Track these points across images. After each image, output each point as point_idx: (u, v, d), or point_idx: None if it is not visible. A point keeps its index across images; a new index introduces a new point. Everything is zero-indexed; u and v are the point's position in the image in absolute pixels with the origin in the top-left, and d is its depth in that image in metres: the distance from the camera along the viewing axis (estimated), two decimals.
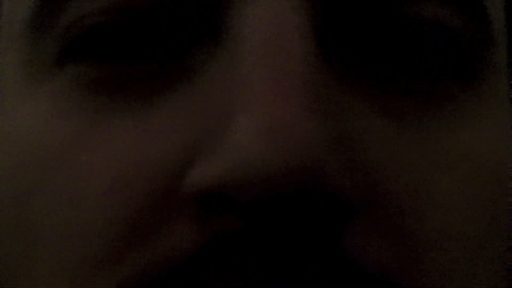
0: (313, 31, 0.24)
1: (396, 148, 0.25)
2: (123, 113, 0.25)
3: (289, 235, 0.22)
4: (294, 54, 0.23)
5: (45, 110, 0.26)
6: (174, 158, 0.23)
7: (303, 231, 0.22)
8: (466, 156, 0.26)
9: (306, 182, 0.22)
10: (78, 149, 0.25)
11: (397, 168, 0.24)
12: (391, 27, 0.25)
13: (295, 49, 0.23)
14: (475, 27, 0.27)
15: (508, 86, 0.29)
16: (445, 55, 0.26)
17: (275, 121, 0.22)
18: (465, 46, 0.26)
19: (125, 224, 0.23)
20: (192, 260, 0.23)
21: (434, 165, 0.25)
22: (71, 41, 0.25)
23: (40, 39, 0.26)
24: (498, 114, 0.28)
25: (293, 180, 0.21)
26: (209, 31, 0.25)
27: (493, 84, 0.28)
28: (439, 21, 0.26)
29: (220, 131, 0.23)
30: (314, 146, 0.22)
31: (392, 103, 0.25)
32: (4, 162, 0.27)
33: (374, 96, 0.25)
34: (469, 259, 0.25)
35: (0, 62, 0.29)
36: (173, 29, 0.25)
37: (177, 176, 0.23)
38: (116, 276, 0.23)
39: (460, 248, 0.25)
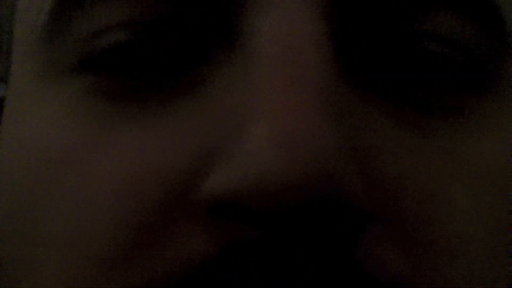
0: (329, 40, 0.24)
1: (411, 157, 0.24)
2: (137, 120, 0.25)
3: (304, 244, 0.22)
4: (309, 62, 0.23)
5: (58, 115, 0.26)
6: (187, 164, 0.23)
7: (318, 241, 0.22)
8: (482, 165, 0.26)
9: (322, 191, 0.22)
10: (91, 153, 0.25)
11: (413, 177, 0.24)
12: (405, 38, 0.25)
13: (311, 57, 0.23)
14: (490, 38, 0.26)
15: None
16: (460, 67, 0.26)
17: (291, 130, 0.22)
18: (480, 58, 0.26)
19: (135, 228, 0.23)
20: (203, 268, 0.23)
21: (449, 174, 0.25)
22: (87, 55, 0.25)
23: (55, 48, 0.26)
24: None
25: (308, 189, 0.21)
26: (223, 39, 0.25)
27: (509, 93, 0.27)
28: (454, 34, 0.26)
29: (235, 140, 0.23)
30: (329, 155, 0.22)
31: (408, 112, 0.25)
32: (16, 165, 0.27)
33: (390, 105, 0.25)
34: (487, 267, 0.25)
35: (13, 66, 0.29)
36: (187, 38, 0.25)
37: (189, 183, 0.23)
38: (124, 281, 0.23)
39: (477, 256, 0.25)
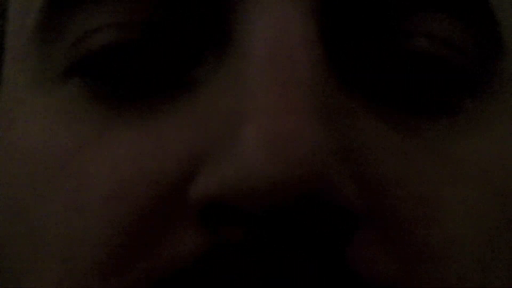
0: (320, 41, 0.24)
1: (403, 158, 0.24)
2: (129, 123, 0.25)
3: (293, 245, 0.22)
4: (301, 63, 0.23)
5: (51, 119, 0.26)
6: (179, 167, 0.24)
7: (308, 242, 0.22)
8: (474, 167, 0.26)
9: (311, 192, 0.22)
10: (84, 157, 0.25)
11: (404, 178, 0.24)
12: (396, 38, 0.25)
13: (302, 58, 0.23)
14: (482, 38, 0.26)
15: None
16: (451, 67, 0.26)
17: (279, 131, 0.22)
18: (472, 58, 0.26)
19: (129, 231, 0.23)
20: (194, 267, 0.23)
21: (441, 176, 0.25)
22: (79, 58, 0.26)
23: (47, 51, 0.26)
24: (509, 123, 0.28)
25: (296, 190, 0.21)
26: (216, 41, 0.25)
27: (504, 94, 0.27)
28: (444, 32, 0.25)
29: (226, 141, 0.23)
30: (318, 156, 0.22)
31: (399, 113, 0.25)
32: (10, 169, 0.27)
33: (381, 106, 0.25)
34: (480, 269, 0.25)
35: (6, 69, 0.29)
36: (179, 40, 0.25)
37: (181, 185, 0.23)
38: (120, 283, 0.23)
39: (470, 259, 0.25)
